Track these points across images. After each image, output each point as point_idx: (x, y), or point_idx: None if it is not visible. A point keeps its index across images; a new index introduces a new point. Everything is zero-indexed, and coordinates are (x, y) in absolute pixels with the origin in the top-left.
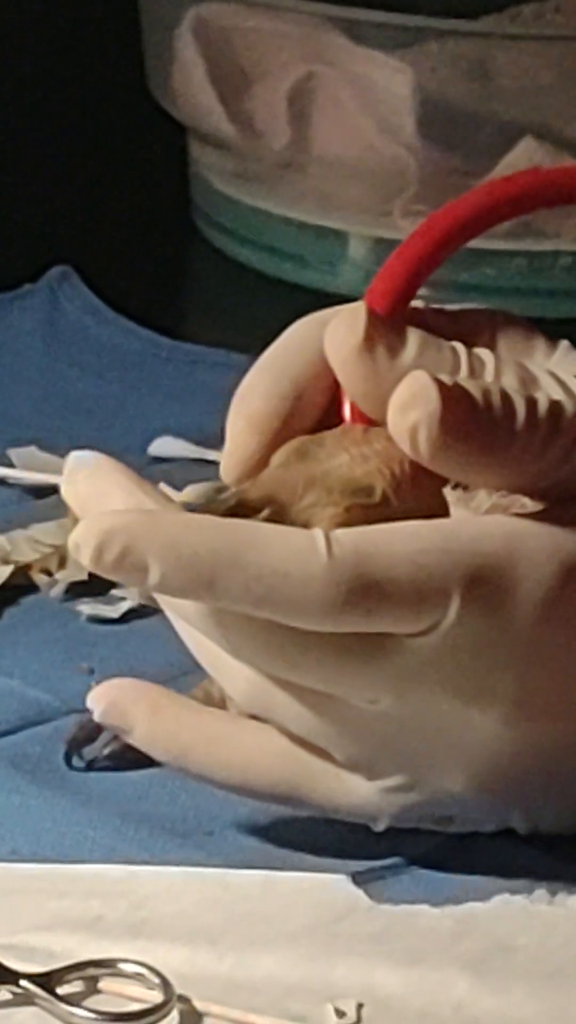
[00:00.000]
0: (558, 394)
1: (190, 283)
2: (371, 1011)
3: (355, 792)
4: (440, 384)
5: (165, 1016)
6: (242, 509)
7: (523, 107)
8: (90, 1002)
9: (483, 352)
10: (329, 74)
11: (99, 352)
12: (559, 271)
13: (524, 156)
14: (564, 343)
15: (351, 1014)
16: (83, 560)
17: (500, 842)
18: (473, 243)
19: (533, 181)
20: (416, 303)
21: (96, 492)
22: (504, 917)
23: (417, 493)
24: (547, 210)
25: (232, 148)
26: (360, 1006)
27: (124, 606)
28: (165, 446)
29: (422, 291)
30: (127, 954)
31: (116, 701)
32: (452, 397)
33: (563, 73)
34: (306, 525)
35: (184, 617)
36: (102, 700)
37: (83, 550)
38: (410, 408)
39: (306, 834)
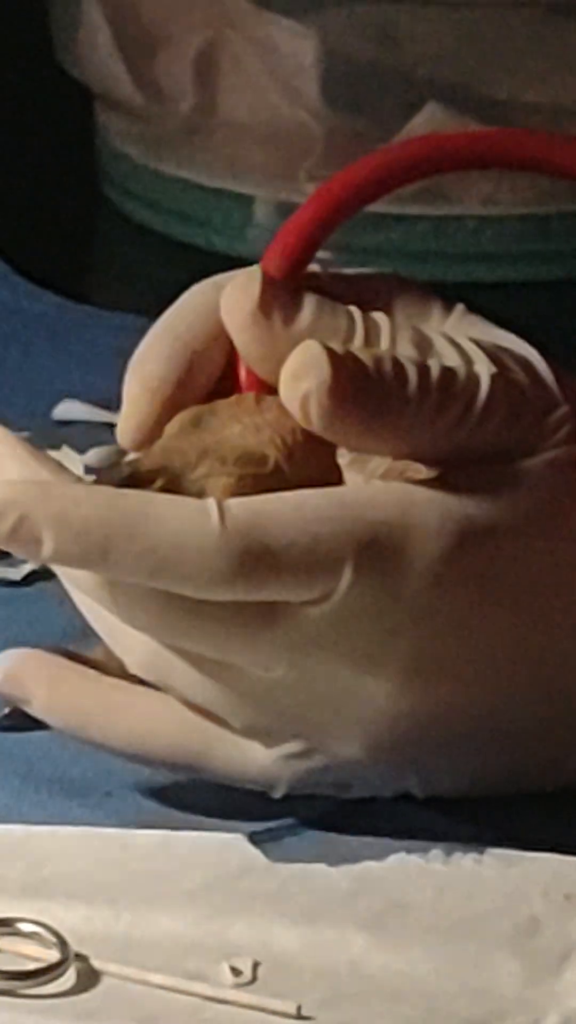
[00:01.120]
0: (453, 358)
1: (97, 248)
2: (267, 969)
3: (253, 760)
4: (331, 353)
5: (61, 975)
6: (136, 479)
7: (428, 72)
8: None
9: (379, 316)
10: (234, 38)
11: (4, 316)
12: (465, 235)
13: (428, 121)
14: (460, 306)
15: (247, 972)
16: None
17: (397, 804)
18: (378, 207)
19: (427, 147)
20: (315, 267)
21: None
22: (400, 876)
23: (310, 462)
24: (452, 174)
25: (138, 113)
26: (256, 964)
27: (26, 568)
28: (70, 410)
29: (328, 256)
30: (25, 913)
31: (14, 672)
32: (343, 366)
33: (468, 38)
34: (200, 495)
35: (80, 587)
36: None
37: None
38: (301, 378)
39: (205, 795)
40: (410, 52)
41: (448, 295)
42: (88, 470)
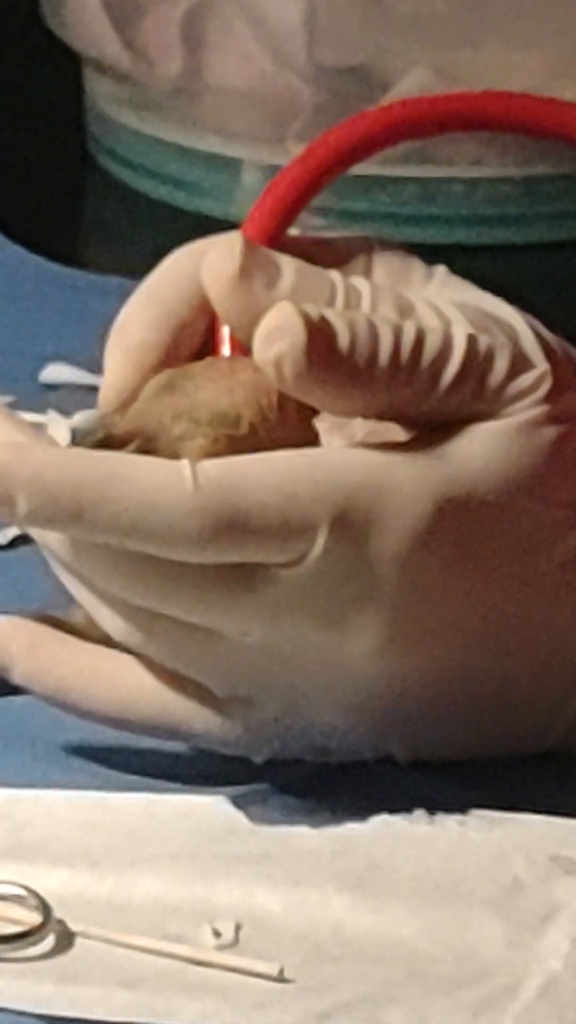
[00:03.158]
0: (433, 321)
1: (85, 211)
2: (249, 931)
3: (234, 726)
4: (305, 315)
5: (42, 939)
6: (111, 442)
7: (417, 36)
8: None
9: (359, 281)
10: (222, 1)
11: None
12: (453, 198)
13: (416, 85)
14: (441, 268)
15: (228, 934)
16: None
17: (380, 767)
18: (366, 170)
19: (411, 110)
20: (296, 231)
21: None
22: (383, 838)
23: (286, 423)
24: (439, 136)
25: (126, 76)
26: (238, 926)
27: (11, 532)
28: (57, 373)
29: (317, 221)
30: (7, 876)
31: None
32: (317, 327)
33: (457, 2)
34: (175, 457)
35: (57, 553)
36: None
37: None
38: (275, 339)
39: (187, 758)
40: (398, 15)
41: (435, 258)
42: (75, 433)
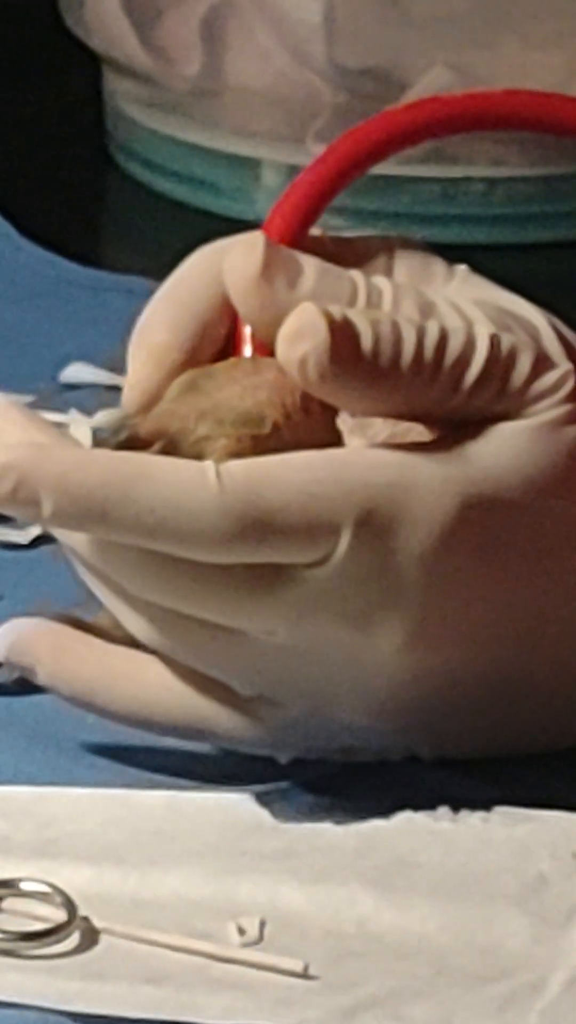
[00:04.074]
0: (455, 321)
1: (105, 212)
2: (274, 928)
3: (258, 726)
4: (328, 315)
5: (67, 936)
6: (134, 443)
7: (435, 35)
8: None
9: (381, 281)
10: (241, 1)
11: (12, 279)
12: (473, 197)
13: (435, 84)
14: (462, 268)
15: (252, 931)
16: None
17: (405, 764)
18: (387, 170)
19: (433, 109)
20: (318, 231)
21: None
22: (407, 834)
23: (309, 423)
24: (460, 136)
25: (145, 76)
26: (263, 923)
27: (34, 532)
28: (77, 372)
29: (338, 220)
30: (32, 874)
31: (18, 642)
32: (340, 328)
33: (477, 1)
34: (199, 458)
35: (82, 554)
36: (3, 641)
37: None
38: (298, 340)
39: (212, 757)
40: (418, 14)
41: (456, 257)
42: (96, 433)
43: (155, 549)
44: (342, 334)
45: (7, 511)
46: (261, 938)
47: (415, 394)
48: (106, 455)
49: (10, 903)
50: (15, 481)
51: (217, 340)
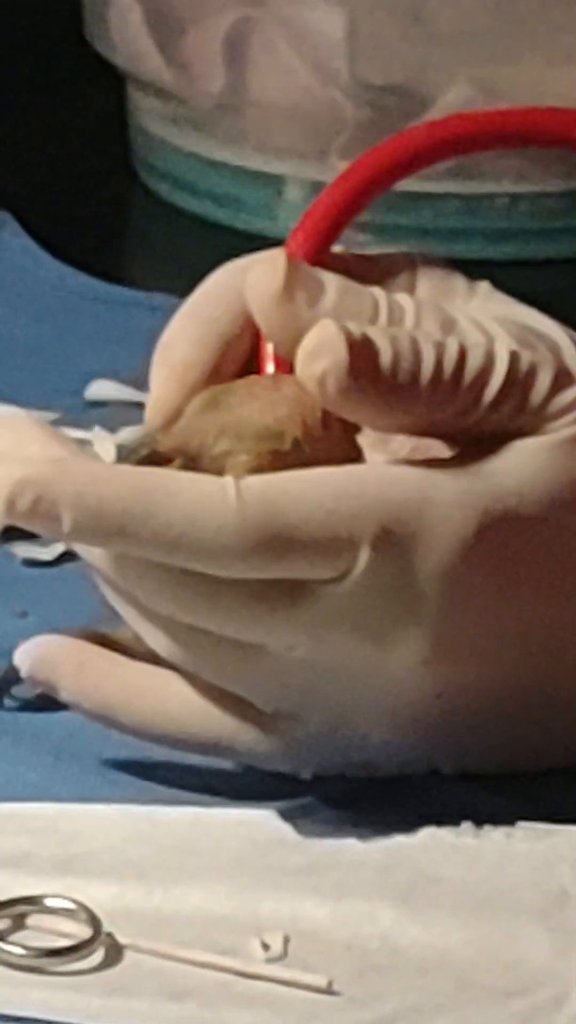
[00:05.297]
0: (476, 337)
1: (129, 228)
2: (298, 944)
3: (279, 741)
4: (347, 332)
5: (92, 952)
6: (155, 459)
7: (458, 51)
8: (17, 938)
9: (402, 297)
10: (264, 18)
11: (36, 296)
12: (496, 213)
13: (458, 100)
14: (484, 284)
15: (276, 947)
16: None
17: (426, 779)
18: (409, 185)
19: (456, 126)
20: (340, 248)
21: (11, 445)
22: (430, 850)
23: (329, 439)
24: (483, 152)
25: (169, 92)
26: (287, 939)
27: (58, 548)
28: (102, 390)
29: (360, 237)
30: (57, 891)
31: (41, 659)
32: (359, 345)
33: (499, 17)
34: (219, 473)
35: (102, 569)
36: (27, 658)
37: None
38: (317, 356)
39: (234, 773)
40: (441, 30)
41: (478, 273)
42: (120, 450)
43: (174, 564)
44: (361, 351)
45: (27, 526)
46: (285, 954)
47: (434, 410)
48: (125, 470)
49: (35, 919)
50: (35, 496)
51: (239, 357)
